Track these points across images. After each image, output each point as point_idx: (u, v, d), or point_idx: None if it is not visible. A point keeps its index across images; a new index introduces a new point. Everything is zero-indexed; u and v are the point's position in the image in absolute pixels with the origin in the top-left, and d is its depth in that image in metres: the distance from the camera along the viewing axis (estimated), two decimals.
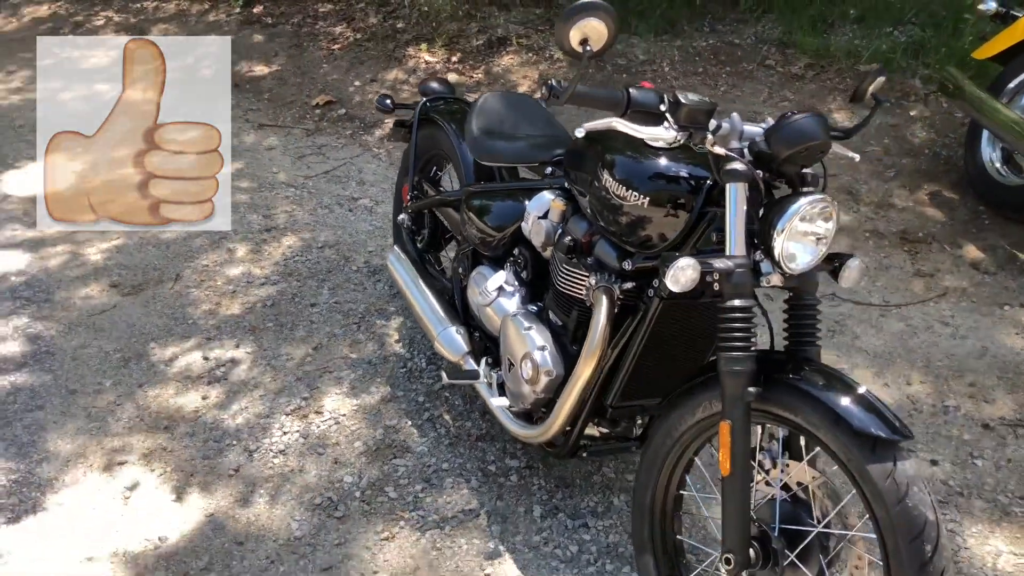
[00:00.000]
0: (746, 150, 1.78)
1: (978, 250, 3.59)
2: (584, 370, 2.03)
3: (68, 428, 2.70)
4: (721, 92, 4.83)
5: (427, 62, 5.41)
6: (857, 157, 2.06)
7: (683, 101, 1.77)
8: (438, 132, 2.91)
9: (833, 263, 1.87)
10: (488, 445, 2.63)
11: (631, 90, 1.79)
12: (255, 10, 6.40)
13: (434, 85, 3.16)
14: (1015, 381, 2.86)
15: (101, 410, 2.78)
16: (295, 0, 6.33)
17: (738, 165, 1.75)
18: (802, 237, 1.76)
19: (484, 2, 5.66)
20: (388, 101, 3.04)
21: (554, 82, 1.79)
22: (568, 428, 2.16)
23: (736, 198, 1.76)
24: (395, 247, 3.11)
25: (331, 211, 4.02)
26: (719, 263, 1.74)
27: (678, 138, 1.79)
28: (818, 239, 1.77)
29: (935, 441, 2.65)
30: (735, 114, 1.82)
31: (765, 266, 1.80)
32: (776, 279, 1.81)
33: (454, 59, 5.39)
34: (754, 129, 1.81)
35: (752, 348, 1.77)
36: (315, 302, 3.32)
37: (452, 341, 2.57)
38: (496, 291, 2.43)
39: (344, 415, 2.75)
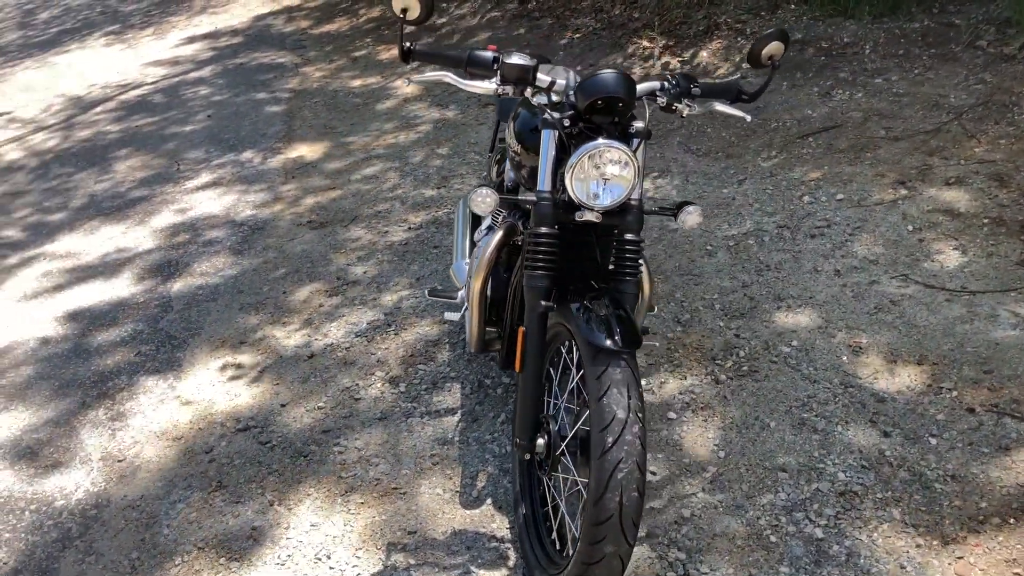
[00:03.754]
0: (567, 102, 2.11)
1: None
2: (474, 285, 2.47)
3: (226, 315, 3.66)
4: (913, 75, 4.64)
5: (644, 48, 5.80)
6: (748, 118, 2.26)
7: (507, 61, 2.14)
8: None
9: (676, 209, 2.13)
10: (494, 364, 3.11)
11: (470, 52, 2.20)
12: (528, 6, 7.18)
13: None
14: None
15: (256, 305, 3.70)
16: None
17: (548, 115, 2.10)
18: (596, 177, 2.04)
19: None
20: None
21: (408, 44, 2.24)
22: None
23: (547, 142, 2.12)
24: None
25: None
26: (524, 196, 2.12)
27: (499, 91, 2.16)
28: (606, 179, 2.04)
29: (904, 416, 2.64)
30: (562, 70, 2.16)
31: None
32: (589, 215, 2.10)
33: (670, 44, 5.71)
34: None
35: (550, 270, 2.11)
36: (438, 245, 3.98)
37: (460, 271, 3.09)
38: (486, 228, 2.92)
39: (404, 329, 3.39)
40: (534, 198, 2.10)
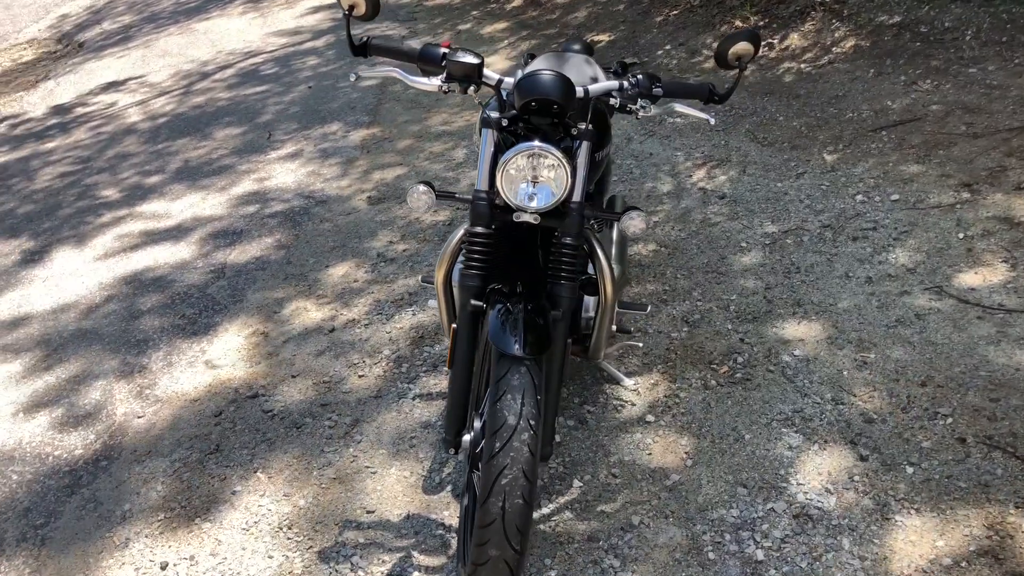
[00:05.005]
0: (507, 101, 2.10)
1: None
2: (438, 275, 2.48)
3: (269, 284, 3.86)
4: (1012, 66, 4.27)
5: (737, 28, 5.58)
6: (712, 121, 2.19)
7: (452, 58, 2.14)
8: None
9: (620, 213, 2.10)
10: None
11: (423, 46, 2.21)
12: None
13: (575, 46, 3.59)
14: None
15: (296, 277, 3.88)
16: None
17: (485, 114, 2.10)
18: (525, 179, 2.04)
19: None
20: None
21: (364, 37, 2.27)
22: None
23: (485, 141, 2.12)
24: None
25: None
26: (460, 194, 2.13)
27: (444, 88, 2.17)
28: (536, 181, 2.03)
29: (888, 440, 2.50)
30: (517, 71, 2.14)
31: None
32: (527, 216, 2.10)
33: (762, 24, 5.48)
34: None
35: (483, 269, 2.12)
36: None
37: None
38: None
39: (423, 310, 3.47)
40: (470, 196, 2.11)
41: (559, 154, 2.00)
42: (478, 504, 1.85)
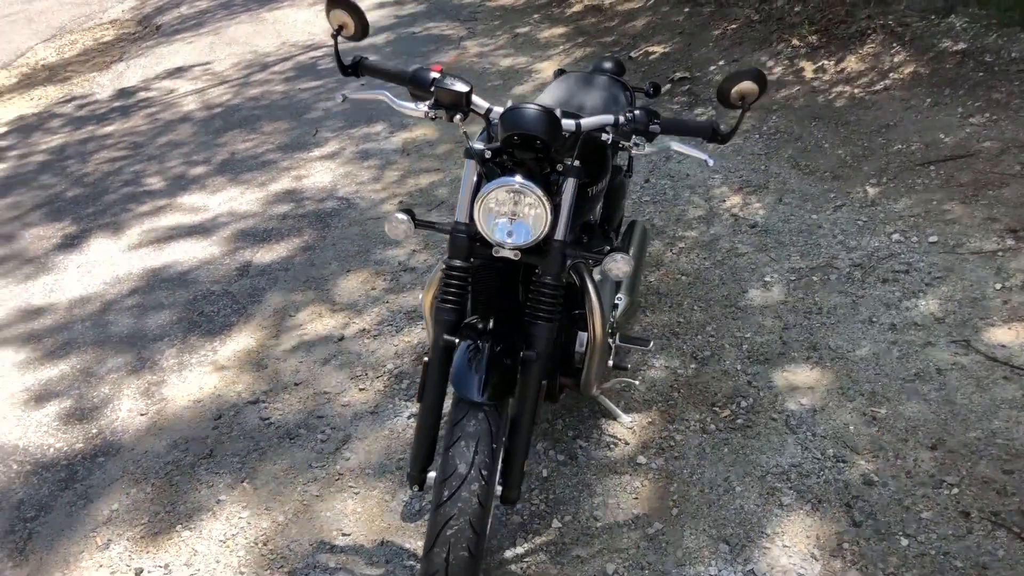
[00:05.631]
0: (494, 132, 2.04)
1: None
2: (425, 298, 2.41)
3: (288, 287, 3.87)
4: None
5: (793, 46, 5.40)
6: (711, 162, 2.10)
7: (441, 85, 2.09)
8: None
9: (603, 255, 2.02)
10: None
11: (415, 69, 2.15)
12: None
13: (606, 64, 3.50)
14: None
15: (317, 280, 3.88)
16: None
17: (471, 145, 2.04)
18: (503, 215, 1.97)
19: None
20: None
21: (357, 57, 2.22)
22: None
23: (468, 172, 2.06)
24: None
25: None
26: (440, 224, 2.08)
27: (430, 115, 2.11)
28: (513, 218, 1.96)
29: (886, 506, 2.36)
30: (508, 102, 2.08)
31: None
32: (506, 252, 2.04)
33: (820, 44, 5.29)
34: None
35: (458, 303, 2.07)
36: None
37: None
38: None
39: None
40: (449, 227, 2.06)
41: (540, 192, 1.94)
42: (423, 553, 1.80)
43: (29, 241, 4.64)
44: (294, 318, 3.61)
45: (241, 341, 3.49)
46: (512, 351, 1.99)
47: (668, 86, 5.49)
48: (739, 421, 2.73)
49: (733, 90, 2.03)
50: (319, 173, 5.03)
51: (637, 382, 2.84)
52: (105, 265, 4.27)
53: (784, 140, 4.52)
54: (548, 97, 3.02)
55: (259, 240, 4.32)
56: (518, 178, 1.94)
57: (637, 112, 2.06)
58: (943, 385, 2.74)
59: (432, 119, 2.11)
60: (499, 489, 2.07)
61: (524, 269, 2.16)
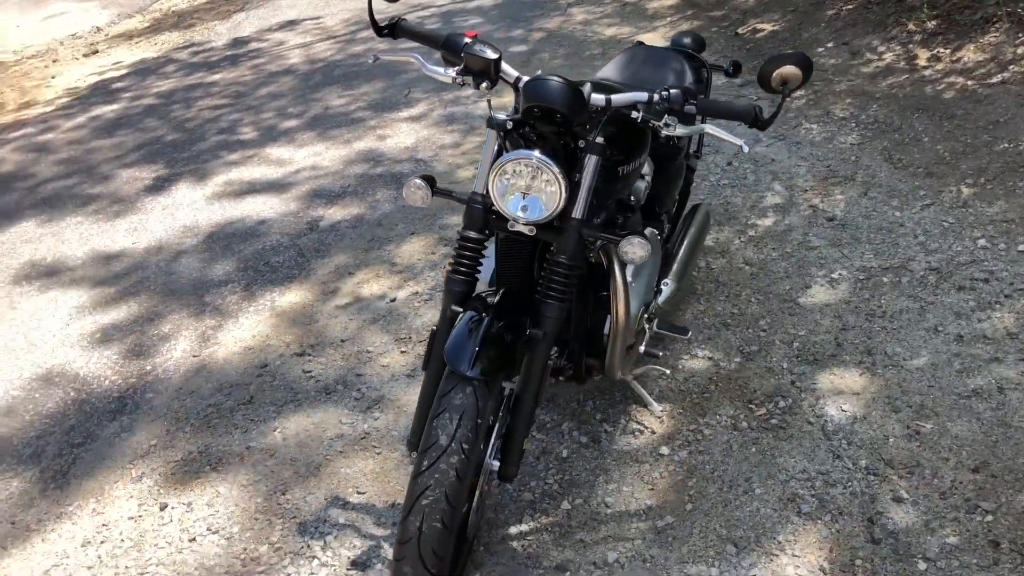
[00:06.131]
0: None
1: None
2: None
3: (355, 244, 3.92)
4: None
5: (909, 31, 5.09)
6: (747, 148, 2.01)
7: (471, 51, 2.04)
8: None
9: (619, 238, 1.96)
10: None
11: (449, 34, 2.12)
12: None
13: (685, 40, 3.38)
14: None
15: (381, 240, 3.93)
16: None
17: (494, 115, 2.01)
18: (517, 189, 1.94)
19: None
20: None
21: (394, 18, 2.19)
22: None
23: (489, 142, 2.03)
24: None
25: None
26: (458, 193, 2.06)
27: (458, 80, 2.07)
28: (525, 192, 1.92)
29: (910, 527, 2.23)
30: (539, 72, 2.03)
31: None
32: (521, 227, 2.01)
33: (935, 31, 4.96)
34: None
35: (469, 275, 2.05)
36: None
37: None
38: None
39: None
40: (466, 197, 2.03)
41: (556, 170, 1.89)
42: (399, 519, 1.80)
43: (124, 181, 4.86)
44: (353, 276, 3.65)
45: (300, 294, 3.57)
46: (517, 328, 1.95)
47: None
48: (773, 421, 2.62)
49: (775, 73, 1.92)
50: (403, 134, 5.06)
51: (668, 371, 2.76)
52: (188, 209, 4.43)
53: (881, 130, 4.27)
54: (610, 70, 2.94)
55: (334, 196, 4.39)
56: (536, 153, 1.90)
57: (672, 91, 1.97)
58: (1001, 404, 2.55)
59: (460, 85, 2.08)
60: (496, 465, 2.05)
61: (542, 246, 2.11)
